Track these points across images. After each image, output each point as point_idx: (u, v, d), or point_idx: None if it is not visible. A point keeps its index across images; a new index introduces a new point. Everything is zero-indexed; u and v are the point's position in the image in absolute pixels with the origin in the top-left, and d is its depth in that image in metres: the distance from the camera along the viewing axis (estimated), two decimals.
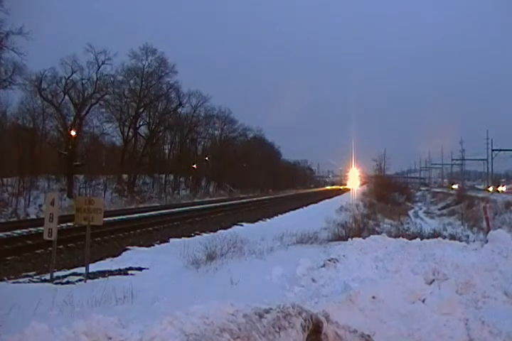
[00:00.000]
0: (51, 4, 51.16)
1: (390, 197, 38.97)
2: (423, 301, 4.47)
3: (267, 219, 20.44)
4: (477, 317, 4.19)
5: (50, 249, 8.60)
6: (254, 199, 39.99)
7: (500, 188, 60.21)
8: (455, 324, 4.10)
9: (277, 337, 2.73)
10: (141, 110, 38.65)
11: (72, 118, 32.67)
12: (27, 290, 6.00)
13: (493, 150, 51.26)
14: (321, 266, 6.67)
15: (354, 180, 69.66)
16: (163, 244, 11.96)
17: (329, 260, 6.77)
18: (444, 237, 9.82)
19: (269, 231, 11.68)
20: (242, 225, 17.38)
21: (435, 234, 11.61)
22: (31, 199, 24.77)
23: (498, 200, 31.90)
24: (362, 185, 75.96)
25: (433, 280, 5.18)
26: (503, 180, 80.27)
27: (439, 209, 39.28)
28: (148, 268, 8.22)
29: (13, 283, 7.04)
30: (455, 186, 68.53)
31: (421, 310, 4.25)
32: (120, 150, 38.07)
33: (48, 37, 46.87)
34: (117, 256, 9.94)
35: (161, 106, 41.16)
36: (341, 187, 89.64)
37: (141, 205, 29.43)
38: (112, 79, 34.19)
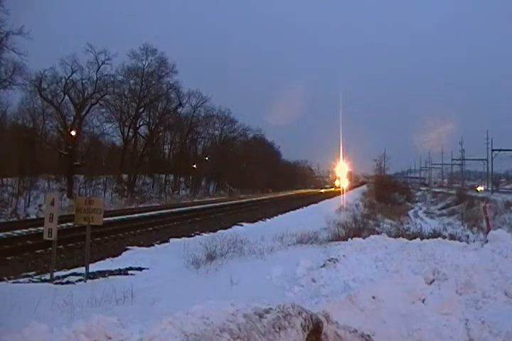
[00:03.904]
0: (51, 4, 51.18)
1: (390, 197, 38.97)
2: (423, 301, 4.47)
3: (267, 219, 20.44)
4: (477, 317, 4.19)
5: (50, 249, 8.60)
6: (254, 199, 39.97)
7: (479, 188, 58.76)
8: (455, 324, 4.10)
9: (277, 337, 2.73)
10: (141, 110, 38.67)
11: (72, 118, 32.72)
12: (27, 290, 6.00)
13: (493, 150, 51.21)
14: (321, 266, 6.67)
15: (343, 179, 55.16)
16: (163, 244, 11.96)
17: (329, 260, 6.77)
18: (444, 237, 9.82)
19: (269, 231, 11.68)
20: (242, 225, 17.37)
21: (435, 234, 11.61)
22: (31, 199, 24.77)
23: (498, 200, 31.90)
24: (355, 186, 66.88)
25: (433, 280, 5.18)
26: (503, 180, 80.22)
27: (439, 209, 39.32)
28: (148, 268, 8.22)
29: (13, 283, 7.04)
30: (481, 188, 58.43)
31: (421, 310, 4.25)
32: (120, 150, 38.10)
33: (48, 37, 46.95)
34: (117, 256, 9.94)
35: (161, 106, 41.22)
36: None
37: (141, 205, 29.43)
38: (112, 79, 34.24)
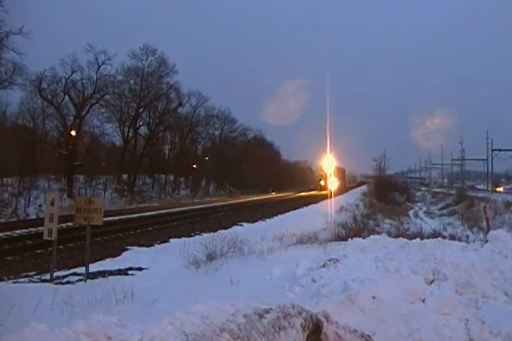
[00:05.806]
0: (51, 4, 51.09)
1: (389, 197, 38.94)
2: (423, 301, 4.47)
3: (267, 219, 20.39)
4: (477, 317, 4.19)
5: (50, 249, 8.61)
6: (254, 199, 39.97)
7: (498, 189, 58.79)
8: (455, 324, 4.10)
9: (277, 337, 2.73)
10: (141, 110, 38.70)
11: (72, 118, 32.75)
12: (27, 290, 6.00)
13: (493, 150, 51.11)
14: (321, 266, 6.68)
15: (333, 178, 42.62)
16: (163, 244, 11.95)
17: (329, 260, 6.77)
18: (444, 237, 9.81)
19: (269, 231, 11.67)
20: (242, 225, 17.34)
21: (435, 234, 11.59)
22: (31, 199, 24.78)
23: (498, 200, 31.87)
24: (352, 186, 62.91)
25: (433, 280, 5.19)
26: (503, 180, 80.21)
27: (439, 209, 39.25)
28: (148, 268, 8.21)
29: (13, 283, 7.05)
30: (500, 188, 53.32)
31: (421, 310, 4.24)
32: (120, 150, 38.10)
33: (48, 37, 46.94)
34: (117, 256, 9.94)
35: (161, 106, 41.27)
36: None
37: (141, 205, 29.45)
38: (112, 79, 34.30)
